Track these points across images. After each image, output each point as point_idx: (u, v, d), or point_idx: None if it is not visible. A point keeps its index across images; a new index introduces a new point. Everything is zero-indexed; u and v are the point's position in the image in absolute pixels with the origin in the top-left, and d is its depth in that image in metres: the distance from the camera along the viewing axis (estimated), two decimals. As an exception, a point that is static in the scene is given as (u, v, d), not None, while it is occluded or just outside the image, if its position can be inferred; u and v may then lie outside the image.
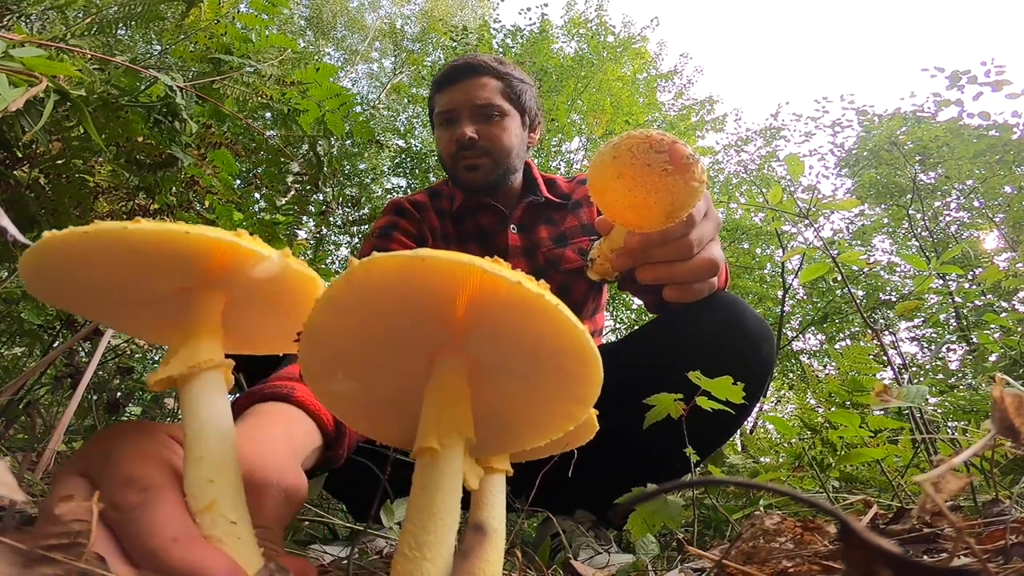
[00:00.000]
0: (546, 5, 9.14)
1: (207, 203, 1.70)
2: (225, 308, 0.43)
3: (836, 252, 1.58)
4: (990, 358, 3.09)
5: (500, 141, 1.41)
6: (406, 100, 10.23)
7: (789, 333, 6.15)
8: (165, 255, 0.38)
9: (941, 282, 4.48)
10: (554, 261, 1.40)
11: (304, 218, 1.94)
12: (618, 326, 6.84)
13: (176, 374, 0.40)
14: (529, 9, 9.27)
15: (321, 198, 1.89)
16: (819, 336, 6.85)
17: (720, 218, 0.85)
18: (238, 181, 1.96)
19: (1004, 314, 3.69)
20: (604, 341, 1.94)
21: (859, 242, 7.17)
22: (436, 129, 1.49)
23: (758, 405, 1.37)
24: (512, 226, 1.44)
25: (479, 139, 1.39)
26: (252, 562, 0.36)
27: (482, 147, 1.39)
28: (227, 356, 0.43)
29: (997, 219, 6.20)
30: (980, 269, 5.04)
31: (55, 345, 1.59)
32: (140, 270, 0.39)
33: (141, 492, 0.34)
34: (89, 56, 1.17)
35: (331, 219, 2.05)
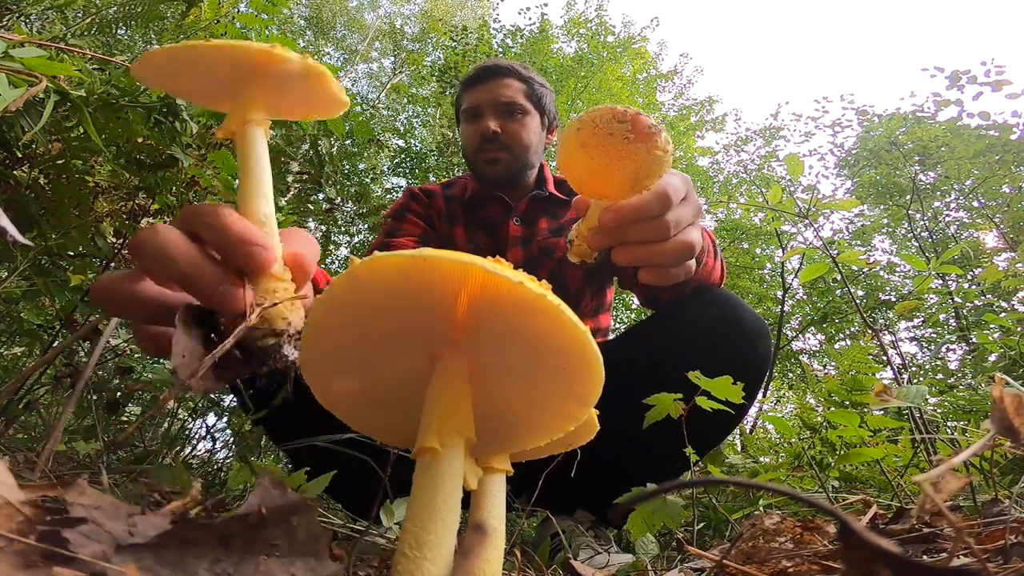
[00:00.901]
0: (546, 5, 9.14)
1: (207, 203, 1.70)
2: (263, 93, 0.58)
3: (836, 252, 1.58)
4: (990, 358, 3.10)
5: (520, 137, 1.50)
6: (406, 100, 10.24)
7: (789, 333, 6.15)
8: (229, 57, 0.54)
9: (941, 282, 4.49)
10: (548, 249, 1.44)
11: (306, 218, 1.94)
12: (618, 326, 6.84)
13: (235, 127, 0.56)
14: (529, 9, 9.27)
15: (322, 197, 1.89)
16: (819, 336, 6.85)
17: (700, 204, 0.83)
18: (237, 181, 1.96)
19: (1003, 314, 3.69)
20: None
21: (859, 242, 7.18)
22: (461, 125, 1.58)
23: (757, 403, 1.38)
24: (515, 217, 1.50)
25: (501, 133, 1.48)
26: (276, 243, 0.53)
27: (503, 141, 1.48)
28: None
29: (996, 219, 6.20)
30: (980, 269, 5.05)
31: (54, 345, 1.59)
32: (214, 65, 0.55)
33: (213, 207, 0.50)
34: (89, 56, 1.17)
35: (336, 216, 2.05)
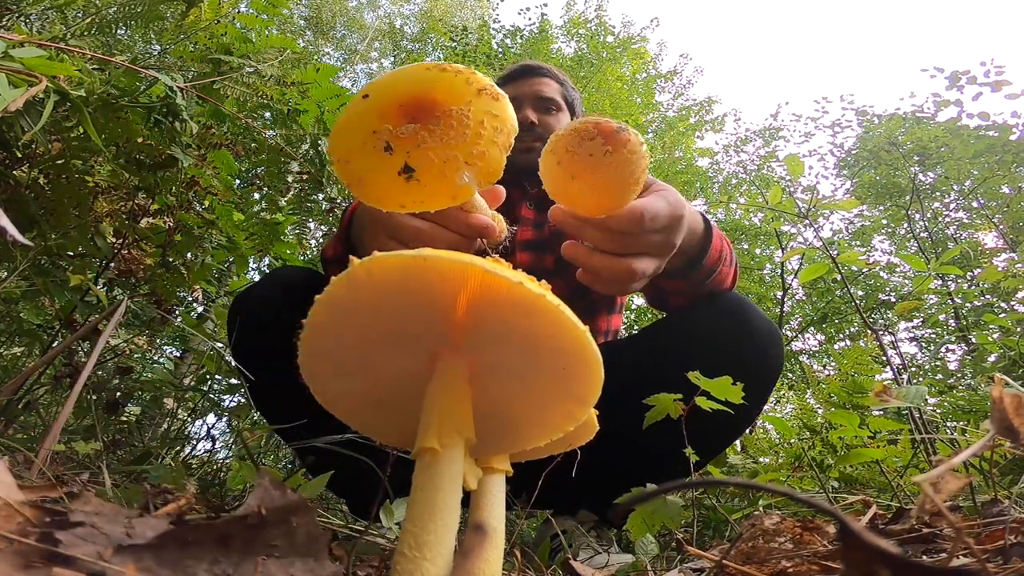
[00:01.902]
0: (546, 5, 9.14)
1: (207, 203, 1.70)
2: None
3: (836, 252, 1.58)
4: (989, 358, 3.10)
5: (554, 130, 1.54)
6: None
7: (788, 333, 6.15)
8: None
9: (940, 283, 4.49)
10: (559, 234, 1.46)
11: (305, 218, 1.95)
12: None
13: None
14: (528, 9, 9.27)
15: (321, 196, 1.89)
16: (819, 336, 6.86)
17: (674, 243, 0.80)
18: (238, 181, 1.96)
19: (1003, 315, 3.69)
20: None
21: (858, 242, 7.18)
22: None
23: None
24: (529, 201, 1.55)
25: (537, 125, 1.56)
26: (490, 216, 0.72)
27: (538, 132, 1.56)
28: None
29: (996, 219, 6.21)
30: (979, 270, 5.05)
31: (54, 345, 1.59)
32: None
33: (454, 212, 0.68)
34: (89, 56, 1.17)
35: (338, 215, 2.05)
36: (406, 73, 0.55)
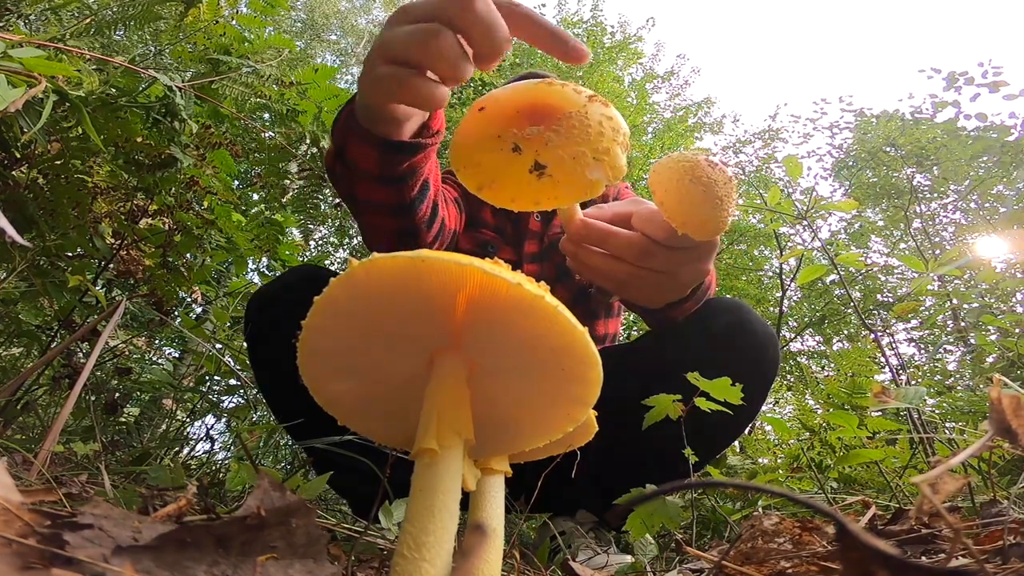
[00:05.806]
0: (543, 6, 9.15)
1: (206, 203, 1.70)
2: None
3: (834, 254, 1.58)
4: (987, 359, 3.10)
5: None
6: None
7: (787, 334, 6.15)
8: None
9: (939, 283, 4.50)
10: (557, 243, 1.46)
11: (304, 217, 1.94)
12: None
13: None
14: (528, 11, 9.27)
15: (320, 197, 1.89)
16: (817, 337, 6.86)
17: (706, 267, 0.80)
18: (236, 182, 1.96)
19: (1001, 315, 3.69)
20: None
21: (856, 244, 7.19)
22: None
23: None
24: (536, 214, 1.54)
25: None
26: None
27: None
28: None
29: (993, 220, 6.22)
30: (975, 272, 5.05)
31: (53, 345, 1.58)
32: None
33: None
34: (88, 57, 1.17)
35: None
36: (517, 87, 0.56)
